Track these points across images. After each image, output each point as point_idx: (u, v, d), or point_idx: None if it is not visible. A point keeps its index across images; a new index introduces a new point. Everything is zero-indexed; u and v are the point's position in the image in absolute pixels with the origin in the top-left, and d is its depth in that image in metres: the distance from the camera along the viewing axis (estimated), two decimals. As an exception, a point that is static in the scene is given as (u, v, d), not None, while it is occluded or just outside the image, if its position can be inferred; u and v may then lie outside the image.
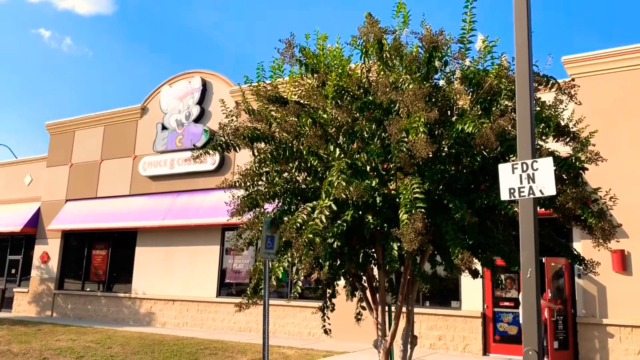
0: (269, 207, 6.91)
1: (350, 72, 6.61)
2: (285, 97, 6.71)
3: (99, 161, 18.91)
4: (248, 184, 6.59)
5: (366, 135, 6.17)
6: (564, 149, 6.24)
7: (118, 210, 17.51)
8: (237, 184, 6.64)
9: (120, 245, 18.02)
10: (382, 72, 6.33)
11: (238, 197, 6.45)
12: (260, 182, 6.71)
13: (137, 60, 63.48)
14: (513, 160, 4.72)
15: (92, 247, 18.64)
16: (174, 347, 11.33)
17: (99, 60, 64.36)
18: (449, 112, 6.10)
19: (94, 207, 18.27)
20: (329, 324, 7.10)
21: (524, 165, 4.03)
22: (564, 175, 5.68)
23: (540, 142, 5.86)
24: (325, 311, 7.11)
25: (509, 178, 4.10)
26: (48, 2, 60.69)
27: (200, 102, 16.72)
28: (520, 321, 8.53)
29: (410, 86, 5.53)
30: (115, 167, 18.40)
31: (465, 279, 11.42)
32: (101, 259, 18.36)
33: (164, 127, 17.25)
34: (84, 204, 18.68)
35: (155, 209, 16.64)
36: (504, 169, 4.18)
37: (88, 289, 18.29)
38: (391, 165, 5.86)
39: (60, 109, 64.47)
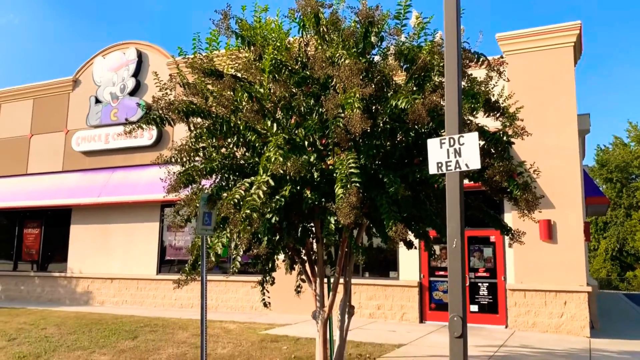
0: (207, 183, 6.83)
1: (288, 46, 6.55)
2: (221, 70, 6.58)
3: (29, 136, 17.98)
4: (184, 159, 6.48)
5: (304, 111, 6.16)
6: (494, 124, 6.48)
7: (50, 187, 16.78)
8: (173, 160, 6.52)
9: (54, 224, 17.33)
10: (319, 47, 6.30)
11: (174, 173, 6.34)
12: (197, 158, 6.60)
13: (68, 29, 60.29)
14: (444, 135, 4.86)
15: (23, 226, 17.83)
16: (112, 325, 11.12)
17: (25, 28, 60.60)
18: (385, 88, 6.18)
19: (25, 184, 17.42)
20: (269, 297, 7.18)
21: (451, 140, 4.16)
22: (492, 149, 5.91)
23: (471, 117, 6.05)
24: (264, 285, 7.18)
25: (437, 152, 4.23)
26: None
27: (136, 74, 16.12)
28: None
29: (347, 61, 5.54)
30: (46, 142, 17.55)
31: (403, 250, 11.78)
32: (33, 238, 17.62)
33: (97, 101, 16.55)
34: (13, 181, 17.77)
35: (90, 185, 16.06)
36: (432, 143, 4.30)
37: (20, 269, 17.56)
38: (329, 141, 5.90)
39: (-15, 81, 60.59)
